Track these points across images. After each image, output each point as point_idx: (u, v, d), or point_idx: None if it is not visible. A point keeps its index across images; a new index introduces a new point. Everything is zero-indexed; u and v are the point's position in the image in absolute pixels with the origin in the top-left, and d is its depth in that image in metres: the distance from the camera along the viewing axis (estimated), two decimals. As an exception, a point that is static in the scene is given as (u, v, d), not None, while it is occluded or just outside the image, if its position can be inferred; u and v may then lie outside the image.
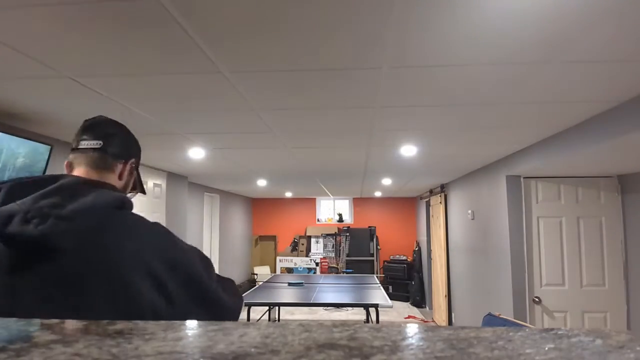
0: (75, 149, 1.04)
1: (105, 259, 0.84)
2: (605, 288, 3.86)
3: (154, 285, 0.86)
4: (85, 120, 1.07)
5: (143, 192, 1.20)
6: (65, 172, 1.03)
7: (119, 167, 1.07)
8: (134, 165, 1.12)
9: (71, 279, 0.82)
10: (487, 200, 4.70)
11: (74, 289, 0.82)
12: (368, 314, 6.33)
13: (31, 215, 0.81)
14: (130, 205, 0.96)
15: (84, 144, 1.03)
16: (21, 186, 0.88)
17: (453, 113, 2.58)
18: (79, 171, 1.02)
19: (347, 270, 9.34)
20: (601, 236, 3.89)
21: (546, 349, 0.41)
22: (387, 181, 6.43)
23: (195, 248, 1.04)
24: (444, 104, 2.40)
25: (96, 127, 1.06)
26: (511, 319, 3.30)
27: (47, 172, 2.77)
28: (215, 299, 0.99)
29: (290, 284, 6.05)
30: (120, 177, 1.07)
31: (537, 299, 3.92)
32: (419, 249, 9.17)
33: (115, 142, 1.06)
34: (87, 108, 2.44)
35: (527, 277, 3.95)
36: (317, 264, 9.36)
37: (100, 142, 1.03)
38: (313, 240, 10.03)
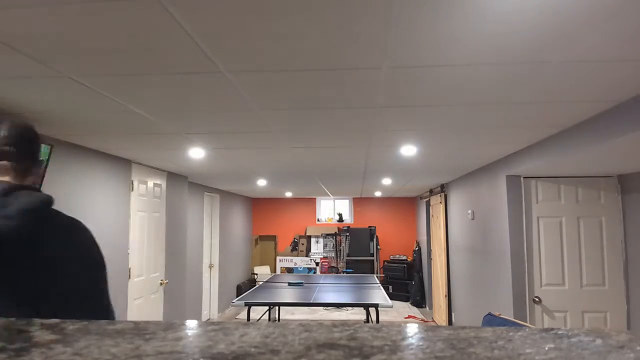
0: None
1: (40, 247, 1.02)
2: (605, 288, 3.86)
3: (75, 273, 1.07)
4: None
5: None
6: None
7: (34, 174, 1.19)
8: (42, 167, 1.22)
9: (15, 267, 0.99)
10: (487, 200, 4.70)
11: (16, 274, 0.99)
12: (368, 313, 6.33)
13: None
14: (53, 202, 1.11)
15: None
16: None
17: (453, 113, 2.58)
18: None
19: (347, 270, 9.34)
20: (601, 236, 3.89)
21: (546, 348, 0.41)
22: (387, 181, 6.44)
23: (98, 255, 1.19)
24: (444, 104, 2.40)
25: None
26: (511, 318, 3.30)
27: (48, 172, 2.77)
28: (105, 300, 1.16)
29: (290, 284, 6.05)
30: (34, 182, 1.20)
31: (537, 299, 3.92)
32: (419, 249, 9.17)
33: (23, 161, 1.14)
34: (87, 108, 2.44)
35: (527, 277, 3.95)
36: (317, 264, 9.36)
37: (10, 164, 1.12)
38: (313, 240, 10.02)
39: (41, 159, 1.23)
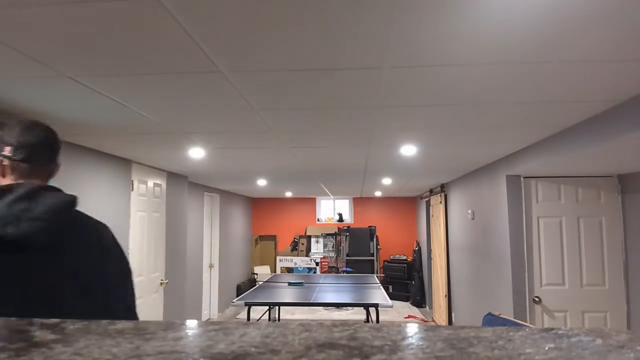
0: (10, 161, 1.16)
1: (70, 247, 1.08)
2: (605, 288, 3.86)
3: (105, 264, 1.13)
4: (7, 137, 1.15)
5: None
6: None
7: (54, 175, 1.23)
8: (59, 164, 1.26)
9: (48, 265, 1.03)
10: (487, 200, 4.70)
11: (51, 272, 1.03)
12: (368, 313, 6.33)
13: (9, 220, 0.99)
14: (77, 202, 1.16)
15: (18, 164, 1.14)
16: None
17: (453, 113, 2.58)
18: (27, 180, 1.16)
19: (347, 269, 9.33)
20: (601, 236, 3.89)
21: (546, 348, 0.41)
22: (387, 181, 6.43)
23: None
24: (444, 104, 2.40)
25: (22, 146, 1.14)
26: (511, 318, 3.30)
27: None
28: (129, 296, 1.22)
29: (290, 284, 6.05)
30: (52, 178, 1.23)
31: (537, 299, 3.92)
32: (419, 249, 9.17)
33: (47, 163, 1.18)
34: (87, 108, 2.44)
35: (527, 277, 3.95)
36: (317, 264, 9.36)
37: (29, 162, 1.14)
38: (313, 240, 10.02)
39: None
